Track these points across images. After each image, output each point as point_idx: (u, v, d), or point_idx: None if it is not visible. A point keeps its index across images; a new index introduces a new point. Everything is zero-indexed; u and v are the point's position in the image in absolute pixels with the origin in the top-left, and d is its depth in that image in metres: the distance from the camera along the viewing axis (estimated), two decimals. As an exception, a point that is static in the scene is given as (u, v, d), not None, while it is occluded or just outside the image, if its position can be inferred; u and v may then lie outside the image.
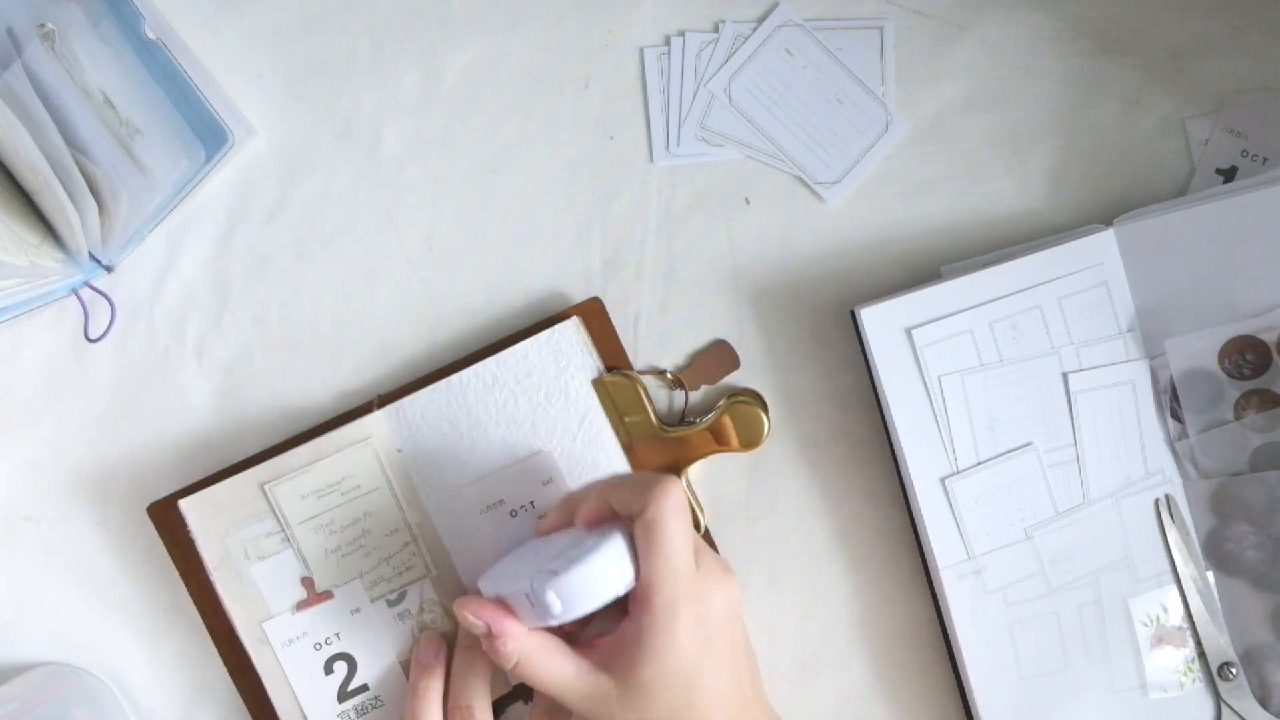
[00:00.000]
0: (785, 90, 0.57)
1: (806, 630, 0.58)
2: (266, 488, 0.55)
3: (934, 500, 0.54)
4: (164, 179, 0.53)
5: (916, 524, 0.55)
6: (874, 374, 0.54)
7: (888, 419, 0.54)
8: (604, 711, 0.47)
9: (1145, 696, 0.55)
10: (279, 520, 0.55)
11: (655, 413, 0.56)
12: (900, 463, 0.55)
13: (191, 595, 0.56)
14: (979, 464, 0.54)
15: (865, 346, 0.54)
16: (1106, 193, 0.57)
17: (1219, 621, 0.55)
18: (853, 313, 0.54)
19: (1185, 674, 0.55)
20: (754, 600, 0.58)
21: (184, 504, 0.55)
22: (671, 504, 0.46)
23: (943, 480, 0.54)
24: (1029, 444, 0.54)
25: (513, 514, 0.56)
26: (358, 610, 0.56)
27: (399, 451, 0.56)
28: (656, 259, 0.57)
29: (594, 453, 0.56)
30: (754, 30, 0.57)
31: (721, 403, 0.56)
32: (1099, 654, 0.55)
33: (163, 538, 0.56)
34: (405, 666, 0.56)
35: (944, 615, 0.55)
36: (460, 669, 0.53)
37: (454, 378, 0.56)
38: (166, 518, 0.55)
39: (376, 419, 0.55)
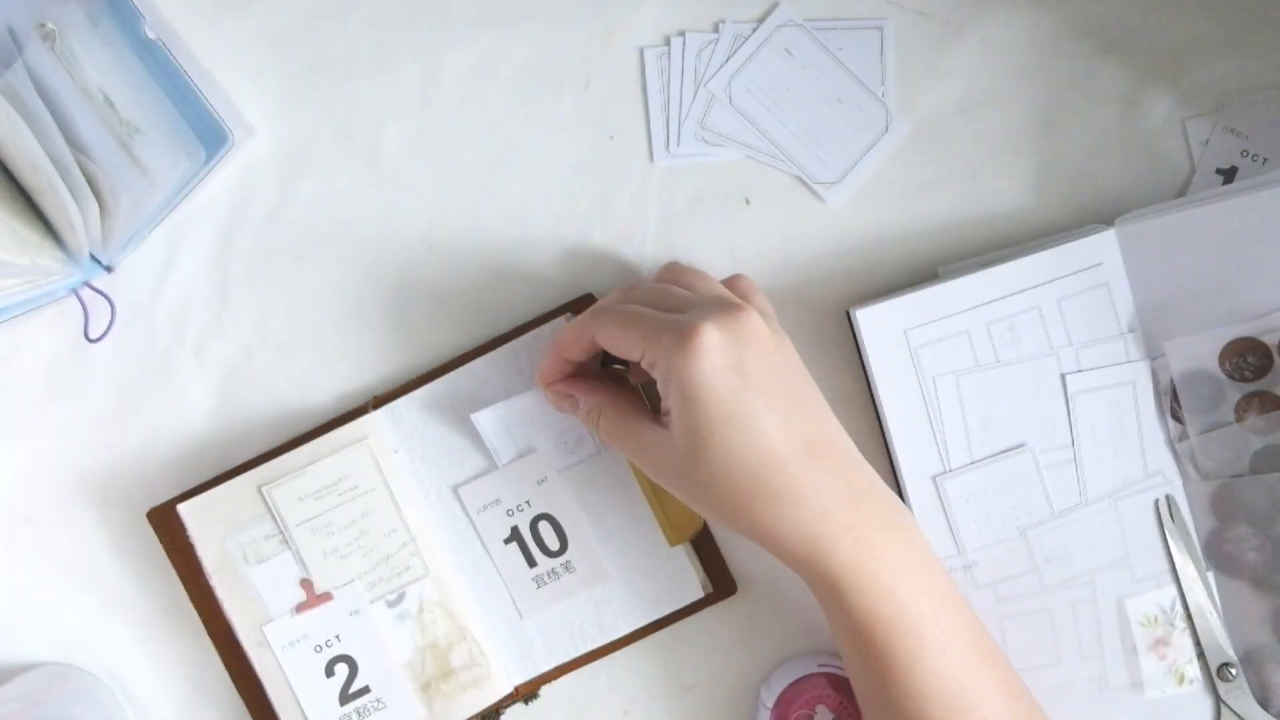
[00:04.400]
0: (785, 90, 0.57)
1: (806, 627, 0.57)
2: (264, 490, 0.55)
3: (924, 497, 0.54)
4: (164, 179, 0.53)
5: (912, 521, 0.55)
6: (868, 373, 0.54)
7: (881, 418, 0.55)
8: (671, 465, 0.48)
9: (1142, 696, 0.55)
10: (277, 522, 0.55)
11: (652, 409, 0.56)
12: (893, 460, 0.55)
13: (192, 600, 0.56)
14: (972, 463, 0.54)
15: (860, 347, 0.54)
16: (1106, 193, 0.57)
17: (1219, 622, 0.55)
18: (848, 313, 0.54)
19: (1184, 674, 0.55)
20: (753, 599, 0.58)
21: (183, 508, 0.55)
22: (696, 376, 0.46)
23: (934, 478, 0.54)
24: (1023, 445, 0.54)
25: (509, 513, 0.56)
26: (357, 612, 0.56)
27: (395, 452, 0.56)
28: (656, 259, 0.57)
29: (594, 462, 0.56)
30: (754, 30, 0.57)
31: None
32: (1093, 652, 0.55)
33: (163, 543, 0.56)
34: (407, 668, 0.56)
35: (937, 609, 0.55)
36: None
37: (448, 376, 0.56)
38: (166, 522, 0.55)
39: (373, 419, 0.55)
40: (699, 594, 0.57)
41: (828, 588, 0.48)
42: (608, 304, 0.50)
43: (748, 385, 0.46)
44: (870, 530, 0.47)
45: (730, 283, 0.52)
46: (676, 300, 0.49)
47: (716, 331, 0.46)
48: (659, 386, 0.48)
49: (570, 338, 0.51)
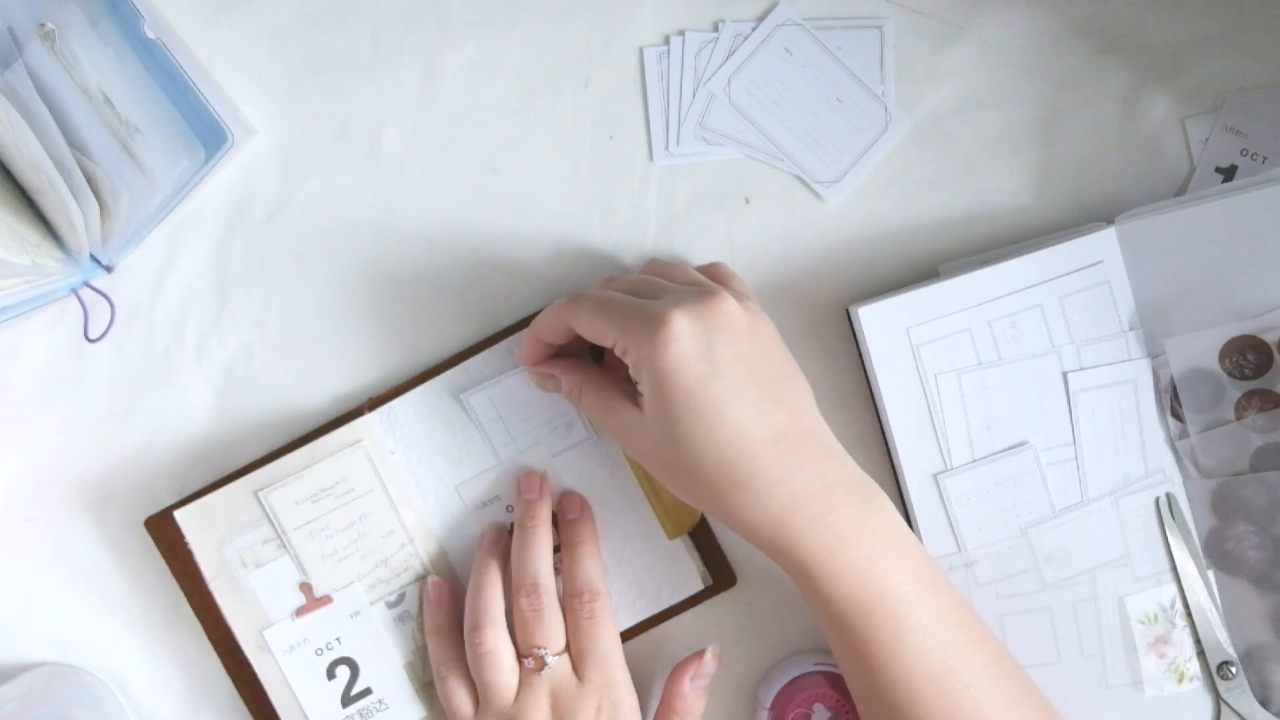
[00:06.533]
0: (785, 90, 0.57)
1: (803, 625, 0.58)
2: (260, 495, 0.55)
3: (925, 495, 0.54)
4: (164, 179, 0.53)
5: (910, 518, 0.55)
6: (869, 372, 0.54)
7: (882, 416, 0.55)
8: (647, 447, 0.48)
9: (1142, 694, 0.55)
10: (274, 527, 0.55)
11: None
12: (894, 459, 0.55)
13: (192, 605, 0.56)
14: (973, 461, 0.54)
15: (861, 345, 0.54)
16: (1106, 191, 0.57)
17: (1219, 621, 0.55)
18: (848, 311, 0.54)
19: (1184, 672, 0.55)
20: (753, 596, 0.58)
21: (180, 515, 0.55)
22: (664, 363, 0.46)
23: (935, 476, 0.54)
24: (1025, 443, 0.54)
25: (509, 509, 0.56)
26: (357, 614, 0.56)
27: (392, 453, 0.56)
28: (657, 258, 0.57)
29: (587, 447, 0.56)
30: (754, 29, 0.57)
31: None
32: (1094, 650, 0.55)
33: (161, 550, 0.56)
34: (408, 669, 0.56)
35: (938, 607, 0.55)
36: (520, 548, 0.54)
37: (442, 376, 0.56)
38: (164, 530, 0.55)
39: (369, 421, 0.55)
40: (699, 586, 0.56)
41: (803, 575, 0.47)
42: (585, 291, 0.51)
43: (716, 373, 0.46)
44: (843, 519, 0.47)
45: (707, 270, 0.53)
46: (652, 289, 0.49)
47: (686, 319, 0.46)
48: (631, 373, 0.48)
49: (546, 323, 0.51)
